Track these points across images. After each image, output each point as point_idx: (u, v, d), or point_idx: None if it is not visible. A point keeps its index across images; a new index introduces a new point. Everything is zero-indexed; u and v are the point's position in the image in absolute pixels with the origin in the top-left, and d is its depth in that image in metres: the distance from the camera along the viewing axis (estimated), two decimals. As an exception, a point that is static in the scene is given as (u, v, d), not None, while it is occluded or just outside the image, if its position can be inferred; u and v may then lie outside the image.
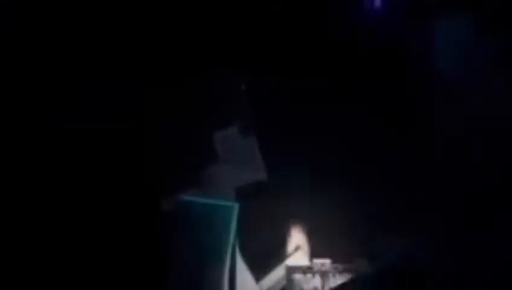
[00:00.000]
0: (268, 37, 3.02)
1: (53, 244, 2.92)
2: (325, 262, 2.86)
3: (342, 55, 3.00)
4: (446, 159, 2.91)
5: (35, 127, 2.96)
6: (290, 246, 2.98)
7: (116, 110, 2.96)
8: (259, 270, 2.89)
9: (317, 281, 2.86)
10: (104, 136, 2.96)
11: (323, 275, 2.85)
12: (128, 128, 2.95)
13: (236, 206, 2.82)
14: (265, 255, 2.93)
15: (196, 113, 2.98)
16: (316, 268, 2.86)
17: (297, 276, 2.85)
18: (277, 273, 2.93)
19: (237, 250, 2.77)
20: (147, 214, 2.93)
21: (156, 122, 2.96)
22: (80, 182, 2.97)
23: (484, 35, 2.91)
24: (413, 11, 2.98)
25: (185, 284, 2.82)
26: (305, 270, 2.86)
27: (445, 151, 2.91)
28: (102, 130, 2.96)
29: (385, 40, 2.99)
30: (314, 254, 2.94)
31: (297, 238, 2.99)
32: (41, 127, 2.95)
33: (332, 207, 2.88)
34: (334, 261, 2.86)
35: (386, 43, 2.99)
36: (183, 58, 3.01)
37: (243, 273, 2.81)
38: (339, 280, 2.85)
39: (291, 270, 2.87)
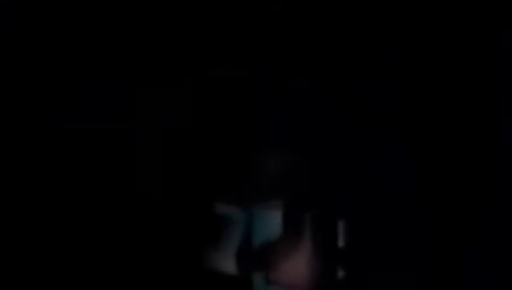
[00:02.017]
0: (268, 37, 3.02)
1: (53, 245, 2.92)
2: None
3: (342, 55, 3.00)
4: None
5: (35, 127, 2.96)
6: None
7: (115, 110, 2.96)
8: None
9: None
10: (104, 136, 2.96)
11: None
12: (128, 128, 2.95)
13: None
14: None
15: (196, 114, 2.98)
16: None
17: None
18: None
19: None
20: (146, 215, 2.93)
21: (156, 123, 2.96)
22: (80, 183, 2.97)
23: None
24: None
25: None
26: None
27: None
28: (102, 130, 2.96)
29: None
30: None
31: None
32: (41, 127, 2.96)
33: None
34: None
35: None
36: (183, 58, 3.01)
37: None
38: None
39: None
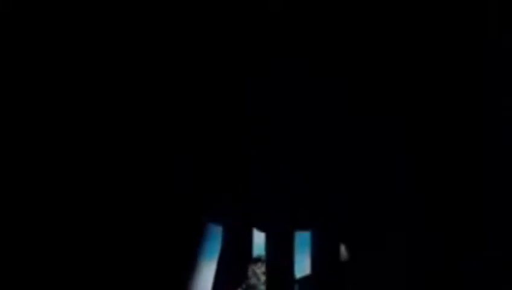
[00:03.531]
0: (268, 37, 3.02)
1: (53, 246, 2.92)
2: None
3: (342, 54, 3.01)
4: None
5: (35, 127, 2.96)
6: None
7: (116, 110, 2.96)
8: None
9: None
10: (104, 136, 2.96)
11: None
12: (129, 129, 2.96)
13: None
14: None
15: (196, 114, 2.98)
16: None
17: None
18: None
19: None
20: (148, 217, 2.93)
21: (156, 123, 2.97)
22: (79, 183, 2.97)
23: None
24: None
25: None
26: None
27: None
28: (103, 131, 2.96)
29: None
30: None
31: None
32: (42, 127, 2.96)
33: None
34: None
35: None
36: (183, 58, 3.01)
37: None
38: None
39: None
